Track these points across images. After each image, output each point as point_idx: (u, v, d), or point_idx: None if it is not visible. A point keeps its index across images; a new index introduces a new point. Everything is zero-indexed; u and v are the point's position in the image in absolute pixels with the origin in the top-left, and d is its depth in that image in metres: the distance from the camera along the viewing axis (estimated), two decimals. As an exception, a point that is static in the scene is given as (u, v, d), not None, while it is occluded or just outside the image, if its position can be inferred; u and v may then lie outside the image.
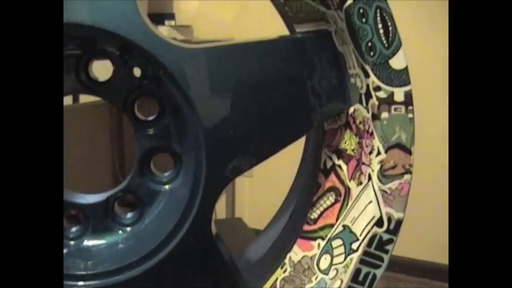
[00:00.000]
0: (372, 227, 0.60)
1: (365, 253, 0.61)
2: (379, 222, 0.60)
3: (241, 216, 1.83)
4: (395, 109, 0.58)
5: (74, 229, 0.62)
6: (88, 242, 0.62)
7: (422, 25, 1.89)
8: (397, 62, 0.57)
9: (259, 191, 2.30)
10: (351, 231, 0.62)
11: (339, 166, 0.65)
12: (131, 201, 0.63)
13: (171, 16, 2.01)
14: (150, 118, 0.60)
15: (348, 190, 0.64)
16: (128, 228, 0.62)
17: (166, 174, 0.62)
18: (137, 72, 0.58)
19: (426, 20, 1.90)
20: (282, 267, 0.66)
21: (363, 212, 0.61)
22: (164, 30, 1.91)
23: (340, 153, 0.65)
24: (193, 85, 0.56)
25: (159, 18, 1.93)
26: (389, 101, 0.58)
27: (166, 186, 0.62)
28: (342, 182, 0.65)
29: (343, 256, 0.62)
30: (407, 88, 0.57)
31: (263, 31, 2.23)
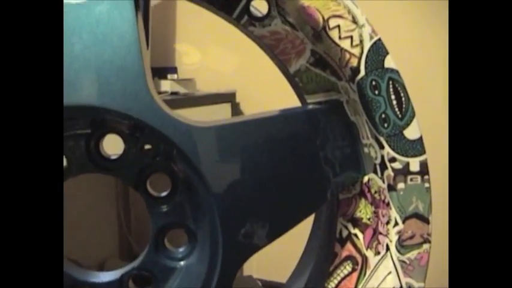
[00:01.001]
0: (393, 298, 0.59)
1: (386, 324, 0.60)
2: (399, 293, 0.59)
3: (248, 265, 1.81)
4: (411, 179, 0.57)
5: (87, 309, 0.61)
6: (103, 322, 0.61)
7: (423, 26, 1.90)
8: (411, 132, 0.56)
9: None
10: (371, 302, 0.61)
11: (355, 235, 0.64)
12: (146, 278, 0.61)
13: (174, 70, 2.02)
14: (163, 194, 0.59)
15: (365, 259, 0.63)
16: (144, 307, 0.61)
17: (181, 250, 0.61)
18: (149, 149, 0.58)
19: (428, 21, 1.91)
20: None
21: (382, 282, 0.60)
22: (167, 84, 1.91)
23: (356, 222, 0.64)
24: (205, 162, 0.56)
25: (161, 72, 1.93)
26: (405, 171, 0.57)
27: (182, 263, 0.61)
28: (359, 251, 0.64)
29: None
30: (422, 158, 0.57)
31: (265, 83, 2.24)
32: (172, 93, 1.83)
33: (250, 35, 0.61)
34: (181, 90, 1.94)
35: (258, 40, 0.61)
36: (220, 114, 2.07)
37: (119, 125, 0.57)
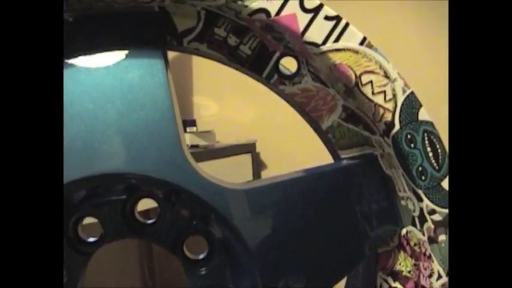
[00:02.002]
0: None
1: None
2: None
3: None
4: (452, 231, 0.56)
5: None
6: None
7: (428, 27, 1.90)
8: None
9: None
10: None
11: (396, 289, 0.63)
12: None
13: (192, 123, 2.03)
14: (201, 257, 0.58)
15: (408, 313, 0.62)
16: None
17: (219, 311, 0.60)
18: (185, 213, 0.58)
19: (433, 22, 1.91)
20: None
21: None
22: (186, 138, 1.92)
23: (396, 276, 0.63)
24: (243, 223, 0.55)
25: (180, 125, 1.94)
26: (445, 223, 0.56)
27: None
28: (401, 306, 0.62)
29: None
30: (462, 208, 0.56)
31: (284, 132, 2.24)
32: (192, 146, 1.84)
33: (280, 93, 0.61)
34: (201, 142, 1.94)
35: (288, 98, 0.61)
36: (241, 165, 2.07)
37: (154, 190, 0.57)
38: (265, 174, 2.33)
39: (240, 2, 0.53)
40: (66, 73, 0.55)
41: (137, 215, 0.59)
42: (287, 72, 0.61)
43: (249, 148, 2.14)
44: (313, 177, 0.59)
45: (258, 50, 0.60)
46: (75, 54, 0.56)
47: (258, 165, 2.23)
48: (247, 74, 0.62)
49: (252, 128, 2.25)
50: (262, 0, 0.53)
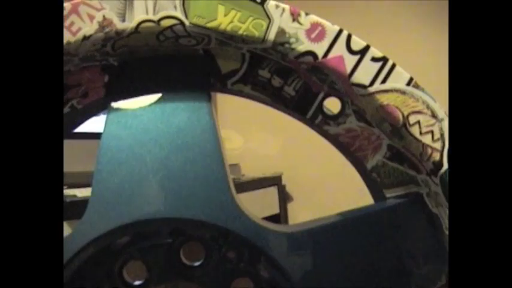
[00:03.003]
0: None
1: None
2: None
3: None
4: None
5: None
6: None
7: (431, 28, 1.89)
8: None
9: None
10: None
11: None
12: None
13: (218, 156, 2.03)
14: (248, 299, 0.58)
15: None
16: None
17: None
18: (232, 255, 0.57)
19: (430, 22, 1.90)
20: None
21: None
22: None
23: (444, 315, 0.62)
24: (292, 265, 0.55)
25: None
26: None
27: None
28: None
29: None
30: None
31: (310, 164, 2.24)
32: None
33: (325, 134, 0.61)
34: (227, 176, 1.94)
35: (332, 138, 0.61)
36: (267, 198, 2.06)
37: (201, 233, 0.57)
38: (291, 206, 2.32)
39: (287, 45, 0.53)
40: (113, 117, 0.55)
41: (183, 258, 0.59)
42: (331, 113, 0.60)
43: (274, 181, 2.14)
44: (358, 219, 0.59)
45: (302, 91, 0.60)
46: (122, 99, 0.56)
47: (284, 198, 2.23)
48: (290, 114, 0.62)
49: (277, 161, 2.25)
50: (309, 42, 0.53)
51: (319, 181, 2.31)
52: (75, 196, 1.53)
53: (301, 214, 2.33)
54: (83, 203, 1.51)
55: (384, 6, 2.31)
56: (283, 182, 2.23)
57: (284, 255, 0.54)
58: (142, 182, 0.53)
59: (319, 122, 0.60)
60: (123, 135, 0.54)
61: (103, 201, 0.54)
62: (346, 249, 0.57)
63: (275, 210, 2.09)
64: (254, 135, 2.28)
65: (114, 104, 0.56)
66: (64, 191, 1.62)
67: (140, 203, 0.53)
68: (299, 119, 0.62)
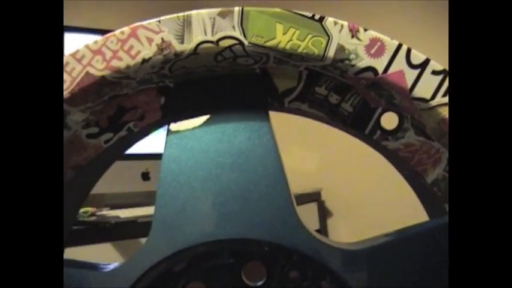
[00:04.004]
0: None
1: None
2: None
3: None
4: None
5: None
6: None
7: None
8: None
9: None
10: None
11: None
12: None
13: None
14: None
15: None
16: None
17: None
18: (295, 274, 0.57)
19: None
20: None
21: None
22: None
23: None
24: (357, 283, 0.54)
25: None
26: None
27: None
28: None
29: None
30: None
31: (348, 179, 2.23)
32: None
33: (383, 149, 0.60)
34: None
35: (391, 154, 0.60)
36: (307, 214, 2.05)
37: (263, 253, 0.56)
38: (331, 222, 2.31)
39: (346, 62, 0.52)
40: (173, 139, 0.55)
41: (244, 278, 0.58)
42: (389, 128, 0.60)
43: (314, 197, 2.13)
44: (422, 234, 0.58)
45: (360, 107, 0.59)
46: (178, 120, 0.56)
47: (323, 214, 2.21)
48: (348, 131, 0.61)
49: (316, 177, 2.24)
50: (369, 58, 0.52)
51: (357, 196, 2.29)
52: (118, 217, 1.54)
53: (340, 230, 2.31)
54: (126, 224, 1.53)
55: (384, 5, 2.30)
56: (323, 197, 2.22)
57: (349, 273, 0.54)
58: (205, 204, 0.53)
59: (378, 137, 0.60)
60: (184, 157, 0.54)
61: (166, 225, 0.54)
62: (410, 265, 0.56)
63: (315, 226, 2.08)
64: (293, 152, 2.27)
65: (173, 126, 0.56)
66: (107, 212, 1.63)
67: (203, 224, 0.53)
68: (356, 136, 0.61)
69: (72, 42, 1.88)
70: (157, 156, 1.91)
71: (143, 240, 2.09)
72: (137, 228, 1.55)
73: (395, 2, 2.29)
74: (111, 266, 0.55)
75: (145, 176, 1.93)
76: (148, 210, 1.66)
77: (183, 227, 0.53)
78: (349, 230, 2.25)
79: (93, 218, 1.55)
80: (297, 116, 0.63)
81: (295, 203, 0.54)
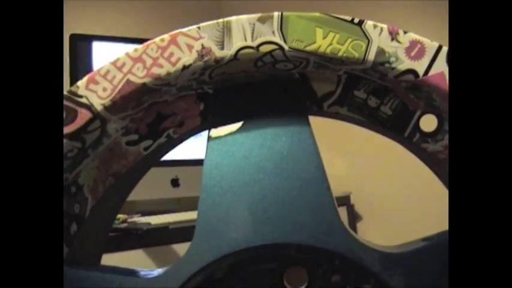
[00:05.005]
0: None
1: None
2: None
3: None
4: None
5: None
6: None
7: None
8: None
9: None
10: None
11: None
12: None
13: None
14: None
15: None
16: None
17: None
18: (337, 278, 0.57)
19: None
20: None
21: None
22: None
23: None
24: (401, 286, 0.54)
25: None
26: None
27: None
28: None
29: None
30: None
31: (378, 183, 2.22)
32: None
33: (422, 152, 0.60)
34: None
35: (430, 156, 0.60)
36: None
37: (305, 257, 0.56)
38: (360, 226, 2.30)
39: (387, 65, 0.52)
40: (214, 146, 0.56)
41: (286, 283, 0.58)
42: (429, 130, 0.59)
43: (343, 201, 2.12)
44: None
45: (399, 109, 0.59)
46: (218, 126, 0.57)
47: (353, 217, 2.21)
48: (387, 134, 0.61)
49: (345, 181, 2.24)
50: (409, 61, 0.52)
51: (387, 200, 2.28)
52: (149, 224, 1.54)
53: (370, 233, 2.30)
54: (158, 230, 1.53)
55: (384, 5, 2.29)
56: (352, 201, 2.21)
57: (391, 276, 0.53)
58: (247, 209, 0.53)
59: (417, 140, 0.59)
60: (225, 163, 0.54)
61: (209, 230, 0.54)
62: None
63: (345, 230, 2.07)
64: (322, 156, 2.27)
65: (213, 132, 0.56)
66: (138, 219, 1.64)
67: (246, 230, 0.53)
68: (395, 139, 0.61)
69: (111, 52, 1.90)
70: (186, 163, 1.92)
71: (175, 246, 2.10)
72: (169, 235, 1.56)
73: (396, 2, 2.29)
74: (155, 272, 0.56)
75: (175, 183, 1.93)
76: (179, 217, 1.66)
77: (226, 233, 0.53)
78: (379, 233, 2.24)
79: (124, 225, 1.55)
80: (326, 121, 0.63)
81: (337, 207, 0.54)
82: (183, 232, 1.57)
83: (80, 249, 0.65)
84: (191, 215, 1.69)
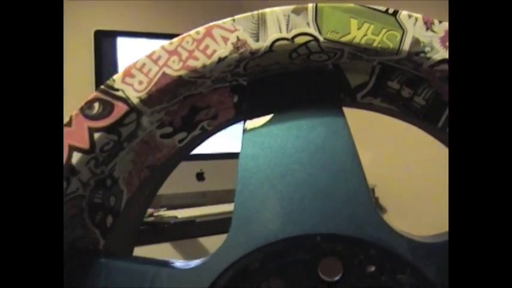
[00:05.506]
0: None
1: None
2: None
3: None
4: None
5: None
6: None
7: None
8: None
9: None
10: None
11: None
12: None
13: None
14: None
15: None
16: None
17: None
18: (372, 268, 0.57)
19: None
20: None
21: None
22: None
23: None
24: (438, 275, 0.54)
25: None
26: None
27: None
28: None
29: None
30: None
31: (402, 176, 2.21)
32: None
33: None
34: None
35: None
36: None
37: (340, 248, 0.56)
38: (385, 218, 2.29)
39: (422, 55, 0.52)
40: (249, 137, 0.56)
41: (321, 274, 0.58)
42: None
43: (368, 194, 2.12)
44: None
45: (433, 100, 0.59)
46: (252, 118, 0.57)
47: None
48: (419, 125, 0.61)
49: (370, 174, 2.23)
50: (445, 50, 0.52)
51: (412, 193, 2.27)
52: (176, 218, 1.55)
53: (395, 226, 2.29)
54: (185, 224, 1.54)
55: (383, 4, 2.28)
56: (376, 194, 2.21)
57: (427, 266, 0.53)
58: (284, 201, 0.53)
59: None
60: (261, 154, 0.55)
61: (246, 222, 0.54)
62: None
63: (369, 223, 2.07)
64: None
65: (248, 124, 0.56)
66: (164, 212, 1.65)
67: (283, 221, 0.53)
68: (428, 130, 0.61)
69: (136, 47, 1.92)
70: (211, 157, 1.92)
71: (201, 240, 2.11)
72: (195, 228, 1.57)
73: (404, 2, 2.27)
74: (192, 264, 0.56)
75: (200, 177, 1.95)
76: (205, 211, 1.68)
77: (263, 224, 0.54)
78: (404, 226, 2.23)
79: (151, 219, 1.57)
80: (349, 114, 0.63)
81: (373, 197, 0.54)
82: (210, 225, 1.59)
83: (115, 241, 0.66)
84: (216, 208, 1.70)
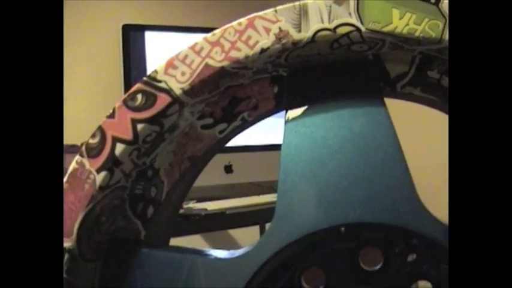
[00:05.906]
0: None
1: None
2: None
3: None
4: None
5: None
6: None
7: None
8: None
9: None
10: None
11: None
12: None
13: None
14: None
15: None
16: None
17: None
18: (413, 257, 0.57)
19: None
20: None
21: None
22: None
23: None
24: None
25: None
26: None
27: None
28: None
29: None
30: None
31: (419, 170, 2.19)
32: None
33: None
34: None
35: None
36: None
37: (381, 237, 0.57)
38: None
39: None
40: (292, 127, 0.56)
41: (361, 263, 0.59)
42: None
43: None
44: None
45: None
46: (292, 108, 0.57)
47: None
48: (441, 109, 0.61)
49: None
50: (487, 39, 0.52)
51: (430, 188, 2.26)
52: (206, 210, 1.56)
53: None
54: (215, 216, 1.55)
55: None
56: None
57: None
58: (327, 190, 0.54)
59: None
60: (304, 144, 0.55)
61: (289, 211, 0.55)
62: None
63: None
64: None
65: (290, 114, 0.57)
66: (194, 205, 1.66)
67: (326, 210, 0.54)
68: None
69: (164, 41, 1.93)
70: (239, 149, 1.93)
71: (231, 231, 2.12)
72: (225, 220, 1.58)
73: None
74: (236, 253, 0.57)
75: (228, 169, 1.96)
76: (234, 203, 1.69)
77: (305, 213, 0.54)
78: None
79: (181, 211, 1.58)
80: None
81: (415, 186, 0.54)
82: (239, 217, 1.59)
83: (155, 232, 0.67)
84: (246, 200, 1.71)
